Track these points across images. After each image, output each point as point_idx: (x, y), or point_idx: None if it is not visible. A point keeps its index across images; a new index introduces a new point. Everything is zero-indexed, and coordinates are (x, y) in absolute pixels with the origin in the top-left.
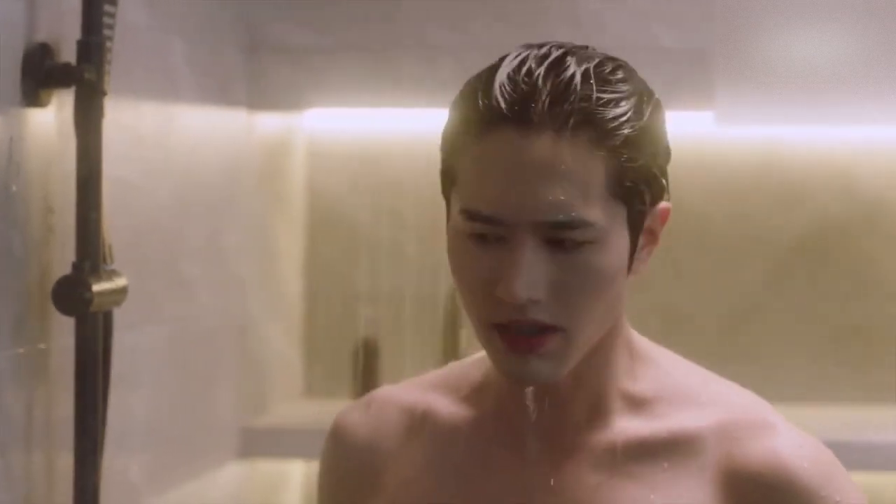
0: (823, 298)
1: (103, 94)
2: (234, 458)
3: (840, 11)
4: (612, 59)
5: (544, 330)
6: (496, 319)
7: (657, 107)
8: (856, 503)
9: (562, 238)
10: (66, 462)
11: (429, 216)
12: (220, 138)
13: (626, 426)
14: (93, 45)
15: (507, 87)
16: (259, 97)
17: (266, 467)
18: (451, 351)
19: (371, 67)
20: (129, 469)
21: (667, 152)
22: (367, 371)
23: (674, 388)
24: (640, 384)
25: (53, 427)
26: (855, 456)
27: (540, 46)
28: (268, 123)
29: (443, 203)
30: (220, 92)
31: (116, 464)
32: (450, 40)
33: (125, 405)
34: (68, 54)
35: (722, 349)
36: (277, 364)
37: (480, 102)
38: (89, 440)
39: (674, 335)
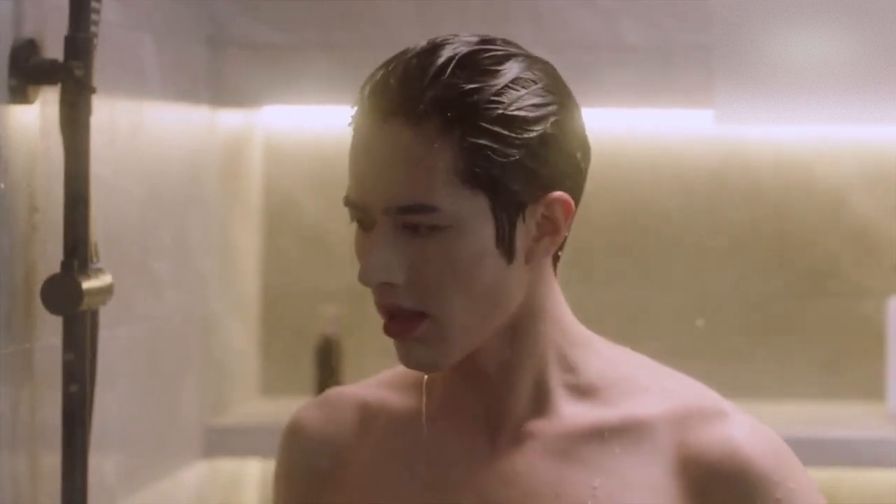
0: (780, 296)
1: (92, 90)
2: (199, 457)
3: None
4: (496, 48)
5: (415, 315)
6: (375, 303)
7: (536, 97)
8: (807, 488)
9: (413, 223)
10: (51, 463)
11: None
12: (184, 136)
13: (574, 412)
14: (81, 40)
15: (373, 80)
16: (221, 94)
17: (226, 466)
18: None
19: (334, 65)
20: (103, 470)
21: (547, 143)
22: (328, 369)
23: (621, 376)
24: (586, 372)
25: (38, 428)
26: (816, 452)
27: (432, 39)
28: (228, 120)
29: None
30: (184, 89)
31: (90, 465)
32: (413, 39)
33: (98, 406)
34: (52, 50)
35: (685, 347)
36: (237, 363)
37: (357, 97)
38: (78, 441)
39: (638, 333)
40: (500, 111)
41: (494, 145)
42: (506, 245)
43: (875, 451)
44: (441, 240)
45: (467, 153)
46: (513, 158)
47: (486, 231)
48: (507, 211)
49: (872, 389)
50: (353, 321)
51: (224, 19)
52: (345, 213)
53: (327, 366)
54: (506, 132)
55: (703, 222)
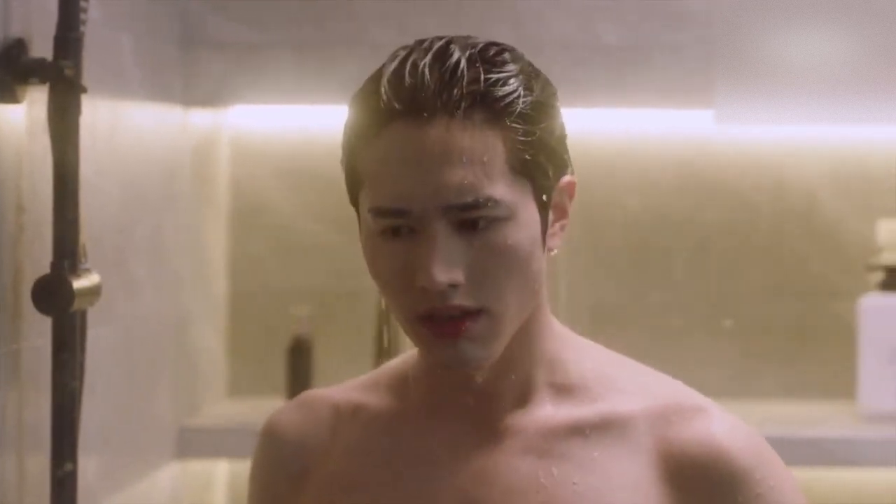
0: (752, 295)
1: (83, 90)
2: (172, 458)
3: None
4: (496, 43)
5: (469, 312)
6: (420, 311)
7: (547, 84)
8: (787, 483)
9: (472, 219)
10: (38, 465)
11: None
12: (159, 136)
13: (556, 410)
14: (71, 40)
15: (394, 83)
16: (192, 93)
17: (197, 467)
18: (385, 348)
19: (303, 64)
20: (84, 472)
21: (562, 128)
22: (299, 369)
23: (602, 374)
24: (569, 370)
25: (25, 429)
26: (788, 451)
27: (422, 41)
28: (198, 120)
29: None
30: (158, 88)
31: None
32: (387, 39)
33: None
34: (40, 49)
35: (650, 345)
36: (208, 364)
37: (371, 103)
38: (67, 442)
39: (602, 332)
40: (533, 98)
41: (537, 132)
42: (544, 232)
43: (847, 450)
44: (500, 232)
45: (517, 142)
46: (550, 145)
47: (534, 218)
48: (543, 197)
49: (844, 389)
50: (323, 322)
51: (194, 18)
52: (315, 212)
53: (300, 366)
54: (543, 117)
55: (673, 222)
